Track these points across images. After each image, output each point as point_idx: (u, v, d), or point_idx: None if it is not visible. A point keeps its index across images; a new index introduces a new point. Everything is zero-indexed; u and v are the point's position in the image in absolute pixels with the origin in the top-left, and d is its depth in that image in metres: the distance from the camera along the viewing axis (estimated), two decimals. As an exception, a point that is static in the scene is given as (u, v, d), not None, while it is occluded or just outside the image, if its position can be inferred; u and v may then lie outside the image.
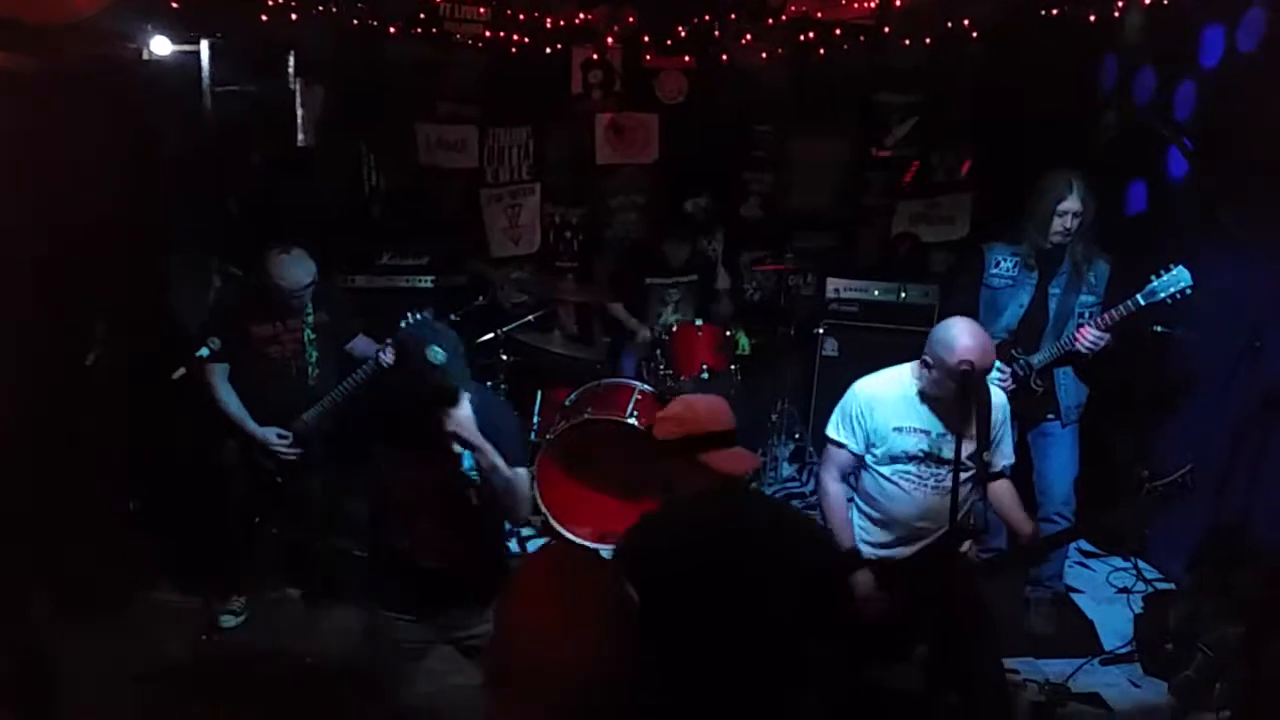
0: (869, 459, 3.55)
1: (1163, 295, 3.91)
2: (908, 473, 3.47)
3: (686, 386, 5.44)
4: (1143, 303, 3.95)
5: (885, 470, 3.50)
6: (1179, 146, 4.94)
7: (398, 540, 3.32)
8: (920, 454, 3.45)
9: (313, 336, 4.48)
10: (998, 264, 4.39)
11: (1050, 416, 4.36)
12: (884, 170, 6.84)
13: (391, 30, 6.06)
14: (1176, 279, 3.88)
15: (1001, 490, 3.58)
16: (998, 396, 3.57)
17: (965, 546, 3.47)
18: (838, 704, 3.63)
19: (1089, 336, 4.06)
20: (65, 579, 4.47)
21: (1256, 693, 3.70)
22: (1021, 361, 4.26)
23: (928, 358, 3.35)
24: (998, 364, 4.16)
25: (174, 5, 4.85)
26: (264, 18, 5.39)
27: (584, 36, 6.36)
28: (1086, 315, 4.19)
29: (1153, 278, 3.93)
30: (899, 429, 3.46)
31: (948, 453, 3.40)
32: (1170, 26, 5.01)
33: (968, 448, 3.29)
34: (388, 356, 4.38)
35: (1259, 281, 4.42)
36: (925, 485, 3.46)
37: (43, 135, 4.40)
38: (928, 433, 3.44)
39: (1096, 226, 4.25)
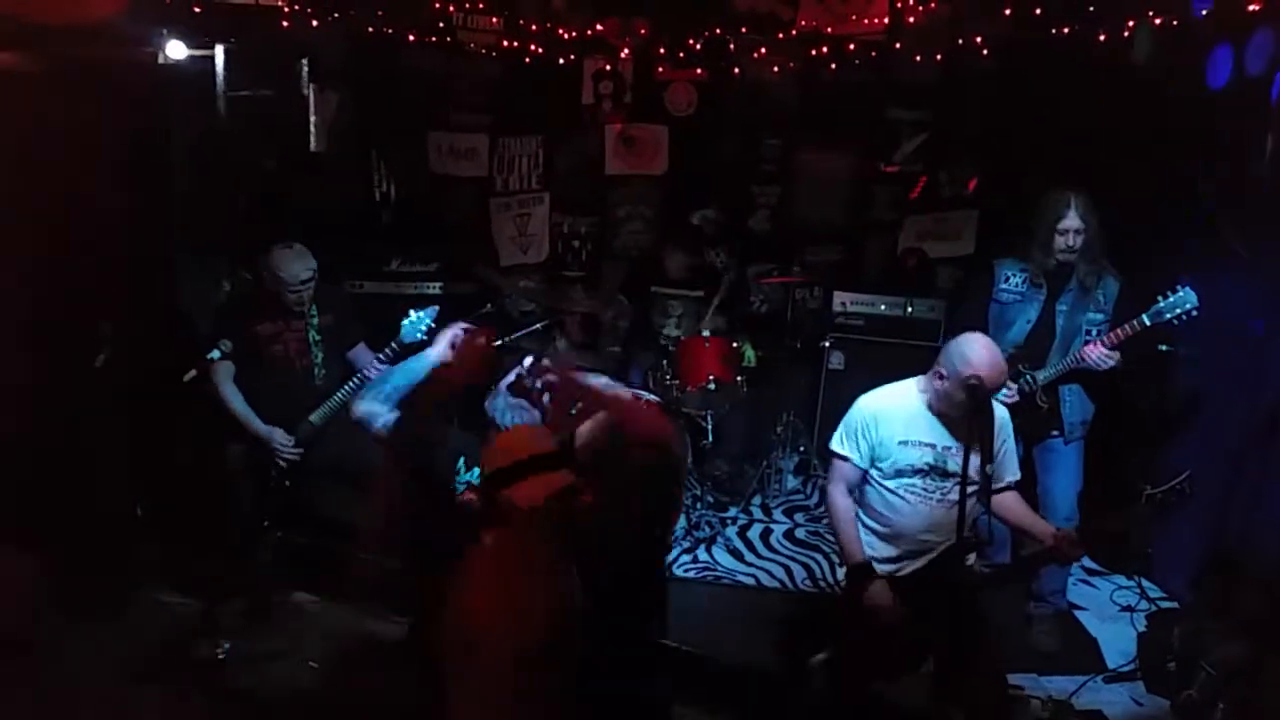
0: (875, 473, 3.56)
1: (1169, 316, 3.94)
2: (913, 486, 3.48)
3: (693, 398, 5.46)
4: (1148, 323, 3.98)
5: (891, 484, 3.51)
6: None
7: None
8: (925, 467, 3.46)
9: (318, 338, 4.51)
10: (1007, 279, 4.40)
11: (1054, 433, 4.36)
12: (892, 185, 6.85)
13: (405, 38, 6.09)
14: (1183, 300, 3.91)
15: (1011, 502, 3.58)
16: (1000, 412, 3.58)
17: (970, 560, 3.47)
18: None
19: (1097, 354, 4.07)
20: (71, 580, 4.49)
21: (1259, 712, 3.70)
22: (1027, 377, 4.27)
23: (942, 369, 3.38)
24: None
25: (196, 10, 4.88)
26: (283, 24, 5.42)
27: (596, 47, 6.39)
28: (1094, 333, 4.20)
29: (1159, 299, 3.95)
30: (905, 442, 3.48)
31: (953, 466, 3.42)
32: (1179, 46, 5.03)
33: (973, 461, 3.30)
34: (374, 373, 4.44)
35: (1264, 300, 4.43)
36: (931, 499, 3.47)
37: (56, 136, 4.43)
38: (933, 446, 3.46)
39: (1103, 243, 4.24)
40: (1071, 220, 4.15)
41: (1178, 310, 3.92)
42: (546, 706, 2.15)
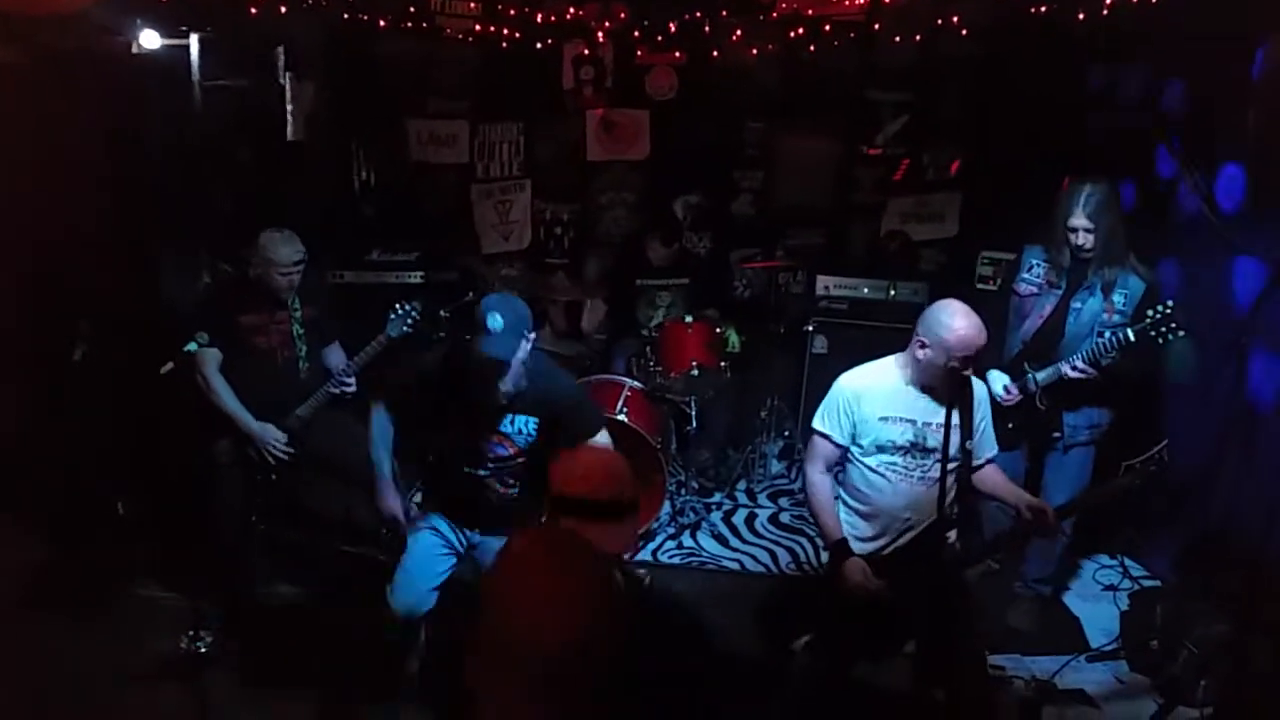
0: (855, 451, 3.55)
1: (1154, 334, 3.82)
2: (894, 464, 3.48)
3: (677, 384, 5.45)
4: (1133, 339, 3.87)
5: (871, 461, 3.51)
6: (1167, 145, 4.95)
7: None
8: (906, 444, 3.46)
9: (301, 330, 4.47)
10: (1030, 268, 4.27)
11: (1055, 434, 4.26)
12: (874, 168, 6.84)
13: (382, 25, 6.04)
14: (1169, 319, 3.78)
15: (990, 475, 3.58)
16: (978, 388, 3.58)
17: (951, 538, 3.48)
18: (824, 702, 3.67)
19: (1070, 371, 4.03)
20: (54, 577, 4.47)
21: (1240, 690, 3.73)
22: (1029, 377, 4.18)
23: (923, 338, 3.37)
24: (1005, 381, 4.17)
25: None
26: (254, 12, 5.37)
27: (575, 32, 6.36)
28: (1108, 335, 4.01)
29: (1149, 313, 3.84)
30: (885, 419, 3.48)
31: (933, 442, 3.42)
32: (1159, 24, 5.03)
33: (953, 437, 3.31)
34: (350, 384, 4.47)
35: (1245, 280, 4.44)
36: (911, 476, 3.47)
37: (29, 128, 4.38)
38: (913, 422, 3.46)
39: (1122, 241, 4.07)
40: (1079, 219, 4.02)
41: (1163, 329, 3.79)
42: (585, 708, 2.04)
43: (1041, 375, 4.16)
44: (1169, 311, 3.80)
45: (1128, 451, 3.44)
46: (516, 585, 2.08)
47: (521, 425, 3.54)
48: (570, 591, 2.01)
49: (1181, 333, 3.79)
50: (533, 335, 3.42)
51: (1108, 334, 4.01)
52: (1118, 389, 4.17)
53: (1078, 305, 4.16)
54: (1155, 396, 4.97)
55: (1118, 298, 4.10)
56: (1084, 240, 4.04)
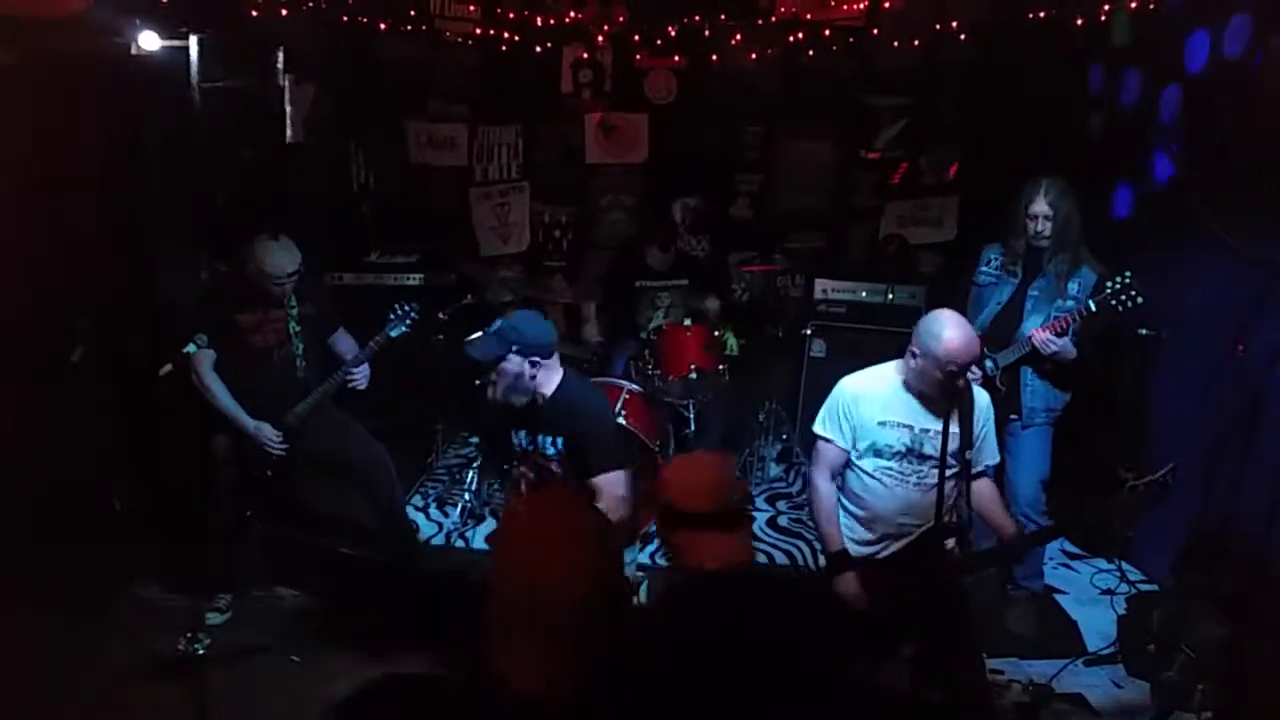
0: (853, 455, 3.56)
1: (1114, 303, 3.92)
2: (890, 469, 3.48)
3: (675, 387, 5.45)
4: (1093, 309, 3.99)
5: (868, 466, 3.51)
6: (1165, 149, 4.96)
7: None
8: (903, 449, 3.47)
9: (297, 328, 4.46)
10: (988, 261, 4.46)
11: (1013, 417, 4.37)
12: (873, 172, 6.85)
13: (382, 27, 6.05)
14: (1128, 288, 3.90)
15: (982, 488, 3.58)
16: (981, 396, 3.59)
17: (949, 544, 3.48)
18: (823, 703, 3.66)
19: (1040, 339, 4.12)
20: (50, 577, 4.46)
21: (1238, 694, 3.73)
22: (990, 360, 4.29)
23: (914, 349, 3.38)
24: None
25: (163, 0, 4.83)
26: (254, 14, 5.38)
27: (574, 35, 6.38)
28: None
29: (1108, 285, 3.96)
30: (883, 423, 3.48)
31: (930, 449, 3.42)
32: (1156, 31, 5.04)
33: (951, 444, 3.31)
34: (359, 375, 4.48)
35: (1242, 283, 4.45)
36: (907, 482, 3.48)
37: (28, 130, 4.38)
38: (910, 427, 3.46)
39: (1077, 232, 4.23)
40: (1039, 206, 4.18)
41: (1123, 297, 3.91)
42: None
43: (1001, 356, 4.28)
44: (1128, 281, 3.92)
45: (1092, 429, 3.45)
46: (524, 542, 2.23)
47: (549, 444, 3.67)
48: (570, 540, 2.17)
49: (1141, 300, 3.90)
50: (535, 357, 3.49)
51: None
52: (1074, 371, 4.30)
53: (1035, 293, 4.31)
54: (1155, 401, 4.99)
55: (1072, 286, 4.24)
56: (1043, 227, 4.20)
